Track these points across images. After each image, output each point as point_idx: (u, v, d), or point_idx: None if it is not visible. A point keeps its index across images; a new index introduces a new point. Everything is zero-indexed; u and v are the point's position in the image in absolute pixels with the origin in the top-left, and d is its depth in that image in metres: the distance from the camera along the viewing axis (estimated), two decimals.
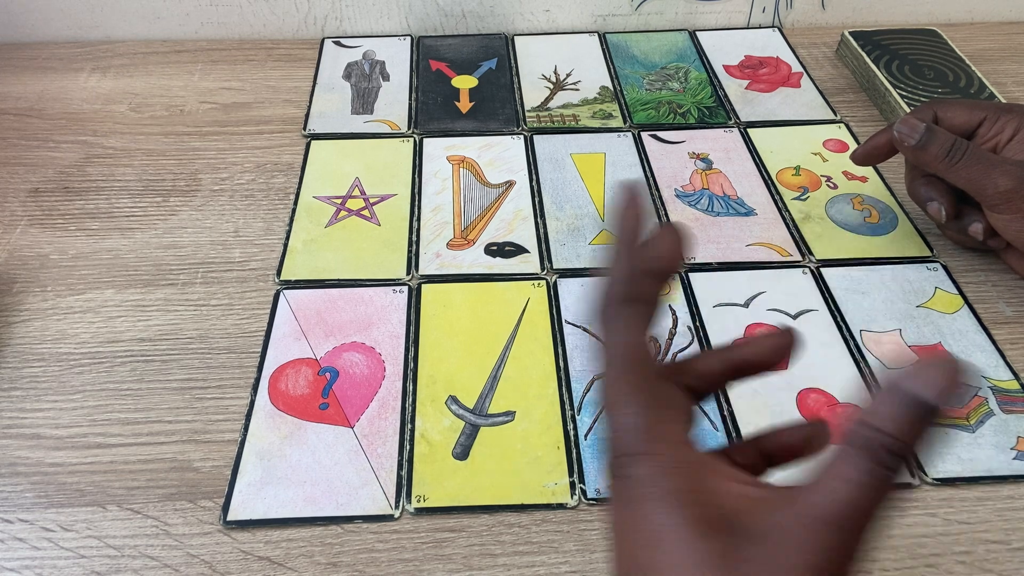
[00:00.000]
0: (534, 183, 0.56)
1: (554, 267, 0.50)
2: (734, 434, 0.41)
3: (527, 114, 0.63)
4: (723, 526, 0.22)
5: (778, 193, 0.55)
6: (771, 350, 0.27)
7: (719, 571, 0.21)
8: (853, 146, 0.59)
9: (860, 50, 0.66)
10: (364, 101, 0.64)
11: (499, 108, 0.63)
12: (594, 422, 0.41)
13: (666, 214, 0.54)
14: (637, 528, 0.23)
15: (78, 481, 0.39)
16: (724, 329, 0.46)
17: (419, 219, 0.53)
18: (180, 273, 0.50)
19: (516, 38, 0.72)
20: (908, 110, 0.59)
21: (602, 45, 0.71)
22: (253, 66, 0.68)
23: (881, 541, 0.37)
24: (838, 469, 0.22)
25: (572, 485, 0.39)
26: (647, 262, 0.25)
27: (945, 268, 0.50)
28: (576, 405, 0.42)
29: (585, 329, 0.46)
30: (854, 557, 0.21)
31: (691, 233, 0.27)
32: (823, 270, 0.50)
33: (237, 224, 0.53)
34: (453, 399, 0.42)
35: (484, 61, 0.69)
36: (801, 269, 0.50)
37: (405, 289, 0.48)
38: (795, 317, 0.47)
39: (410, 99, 0.64)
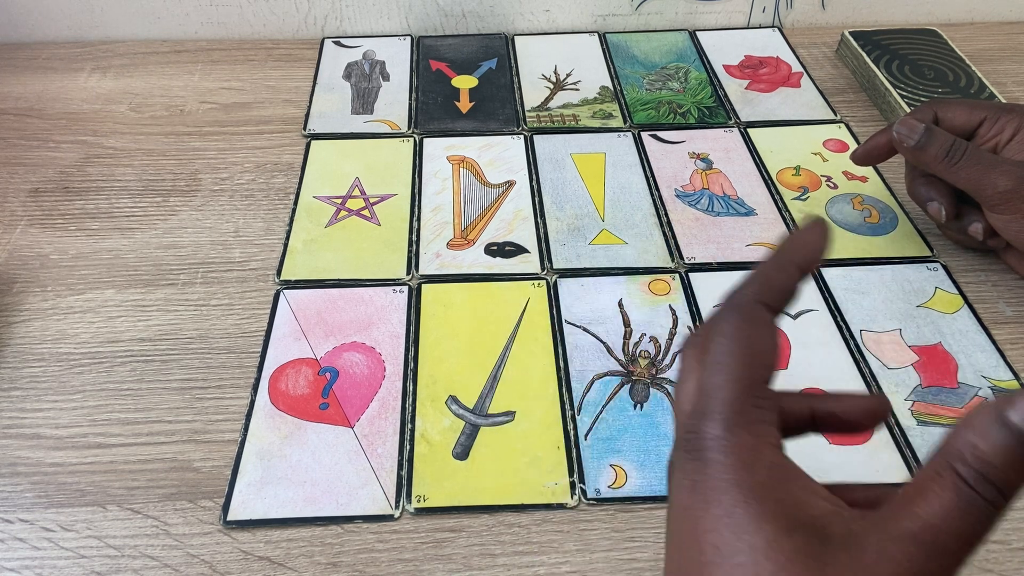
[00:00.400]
0: (534, 183, 0.56)
1: (554, 267, 0.50)
2: None
3: (527, 114, 0.63)
4: (813, 532, 0.21)
5: (778, 193, 0.55)
6: (863, 413, 0.27)
7: (806, 570, 0.21)
8: (853, 146, 0.59)
9: (860, 50, 0.67)
10: (364, 101, 0.64)
11: (499, 108, 0.63)
12: (594, 422, 0.41)
13: (666, 214, 0.54)
14: (712, 516, 0.22)
15: (78, 481, 0.39)
16: None
17: (419, 219, 0.53)
18: (180, 273, 0.50)
19: (516, 38, 0.72)
20: (908, 110, 0.59)
21: (602, 45, 0.71)
22: (253, 66, 0.68)
23: None
24: (935, 489, 0.21)
25: (572, 485, 0.39)
26: (791, 252, 0.27)
27: (945, 268, 0.50)
28: (576, 405, 0.42)
29: (585, 329, 0.46)
30: None
31: (831, 231, 0.28)
32: (823, 270, 0.50)
33: (237, 224, 0.53)
34: (453, 399, 0.42)
35: (484, 61, 0.69)
36: None
37: (405, 289, 0.48)
38: (795, 317, 0.47)
39: (410, 99, 0.64)
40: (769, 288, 0.26)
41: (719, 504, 0.22)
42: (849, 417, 0.27)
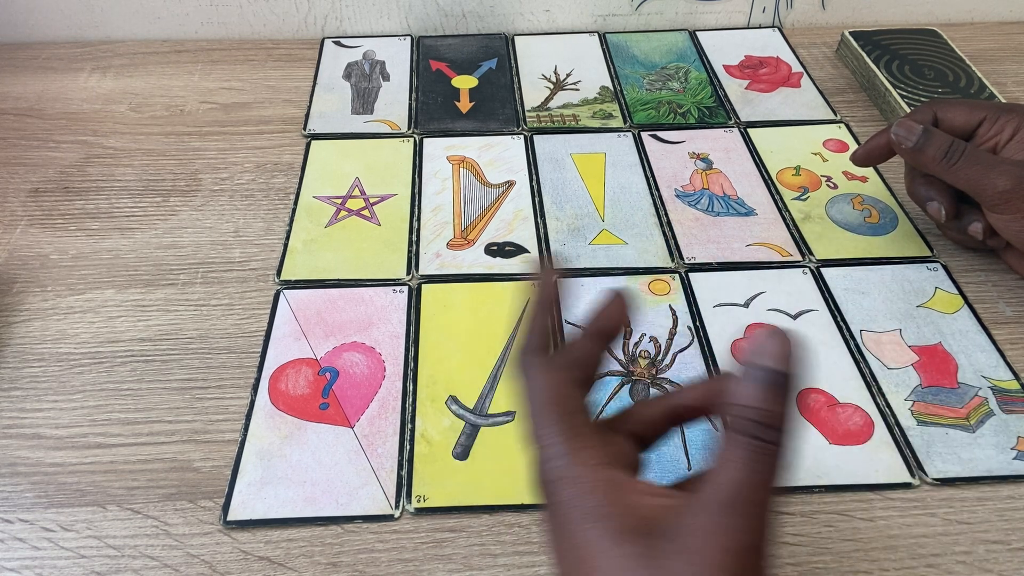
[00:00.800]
0: (534, 183, 0.56)
1: (554, 267, 0.50)
2: None
3: (527, 114, 0.63)
4: (642, 532, 0.24)
5: (778, 193, 0.55)
6: (704, 395, 0.29)
7: (643, 570, 0.23)
8: (853, 146, 0.59)
9: (860, 50, 0.67)
10: (364, 101, 0.64)
11: (499, 108, 0.63)
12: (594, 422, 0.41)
13: (666, 214, 0.54)
14: (568, 546, 0.25)
15: (78, 481, 0.39)
16: (724, 329, 0.46)
17: (419, 219, 0.53)
18: (180, 273, 0.50)
19: (516, 38, 0.72)
20: (908, 110, 0.59)
21: (602, 45, 0.71)
22: (253, 66, 0.68)
23: (881, 541, 0.37)
24: (725, 455, 0.23)
25: None
26: (595, 323, 0.30)
27: (945, 268, 0.50)
28: None
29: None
30: (762, 533, 0.23)
31: (635, 301, 0.31)
32: (823, 270, 0.50)
33: (237, 224, 0.53)
34: (453, 399, 0.42)
35: (484, 61, 0.69)
36: (801, 269, 0.50)
37: (405, 289, 0.48)
38: (795, 317, 0.47)
39: (410, 99, 0.64)
40: (539, 337, 0.29)
41: (564, 534, 0.25)
42: (697, 404, 0.29)
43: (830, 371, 0.44)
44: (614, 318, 0.30)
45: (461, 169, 0.58)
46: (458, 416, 0.42)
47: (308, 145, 0.59)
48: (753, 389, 0.23)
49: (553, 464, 0.26)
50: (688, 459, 0.40)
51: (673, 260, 0.50)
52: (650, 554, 0.23)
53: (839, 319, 0.47)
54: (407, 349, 0.45)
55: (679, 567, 0.22)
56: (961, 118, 0.47)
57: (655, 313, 0.47)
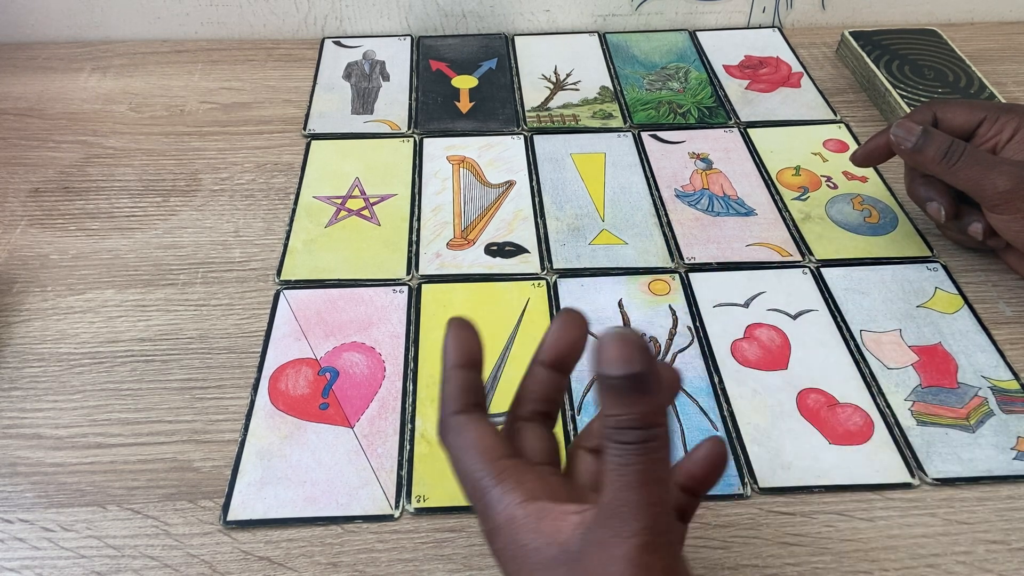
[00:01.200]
0: (534, 183, 0.56)
1: (554, 267, 0.50)
2: (734, 434, 0.41)
3: (527, 114, 0.63)
4: (561, 560, 0.25)
5: (778, 193, 0.55)
6: (705, 462, 0.30)
7: None
8: (853, 146, 0.59)
9: (860, 50, 0.67)
10: (364, 101, 0.64)
11: (499, 108, 0.63)
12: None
13: (666, 214, 0.54)
14: (502, 566, 0.27)
15: (78, 481, 0.39)
16: (724, 329, 0.46)
17: (419, 219, 0.53)
18: (180, 273, 0.50)
19: (516, 38, 0.72)
20: (908, 110, 0.59)
21: (602, 45, 0.71)
22: (253, 66, 0.68)
23: (881, 541, 0.37)
24: (605, 465, 0.24)
25: None
26: (540, 352, 0.31)
27: (945, 268, 0.50)
28: (576, 405, 0.42)
29: None
30: (655, 529, 0.23)
31: (586, 321, 0.32)
32: (823, 270, 0.50)
33: (237, 224, 0.53)
34: None
35: (484, 61, 0.69)
36: (801, 269, 0.50)
37: (405, 289, 0.48)
38: (795, 317, 0.47)
39: (410, 99, 0.64)
40: (458, 394, 0.30)
41: (500, 561, 0.27)
42: (700, 471, 0.30)
43: (830, 371, 0.44)
44: (560, 344, 0.31)
45: (461, 169, 0.58)
46: None
47: (308, 145, 0.59)
48: (604, 399, 0.24)
49: (486, 514, 0.27)
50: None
51: (673, 260, 0.50)
52: None
53: (839, 319, 0.47)
54: (407, 349, 0.45)
55: None
56: (961, 118, 0.47)
57: (655, 313, 0.47)
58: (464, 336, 0.31)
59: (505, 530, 0.26)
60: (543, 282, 0.49)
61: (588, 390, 0.43)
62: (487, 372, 0.44)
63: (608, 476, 0.24)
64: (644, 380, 0.23)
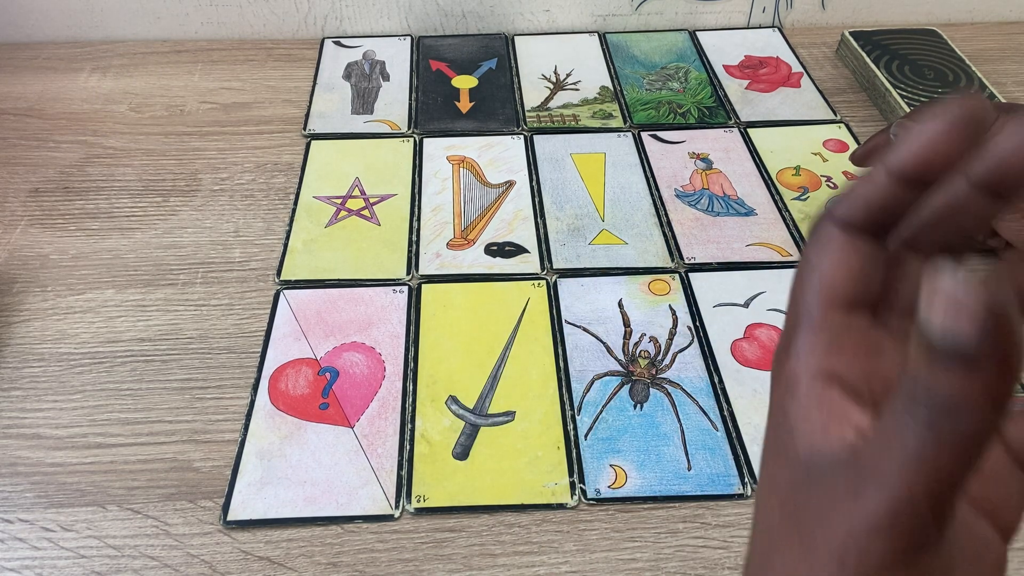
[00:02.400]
0: (534, 183, 0.56)
1: (554, 267, 0.50)
2: (734, 434, 0.41)
3: (527, 114, 0.63)
4: (799, 479, 0.18)
5: (778, 193, 0.55)
6: None
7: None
8: (853, 146, 0.59)
9: (860, 50, 0.66)
10: (364, 101, 0.64)
11: (499, 108, 0.63)
12: (594, 422, 0.41)
13: (666, 214, 0.54)
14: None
15: (78, 481, 0.39)
16: (724, 329, 0.46)
17: (419, 219, 0.53)
18: (180, 273, 0.50)
19: (516, 38, 0.72)
20: (908, 110, 0.59)
21: (602, 45, 0.71)
22: (253, 66, 0.68)
23: None
24: (890, 438, 0.17)
25: (572, 485, 0.39)
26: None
27: None
28: (576, 405, 0.42)
29: (585, 329, 0.46)
30: (918, 518, 0.16)
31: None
32: None
33: (237, 224, 0.53)
34: (453, 399, 0.42)
35: (484, 61, 0.69)
36: None
37: (405, 289, 0.48)
38: None
39: (410, 99, 0.64)
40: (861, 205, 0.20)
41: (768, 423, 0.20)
42: None
43: None
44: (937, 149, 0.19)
45: (461, 169, 0.58)
46: (458, 416, 0.42)
47: (308, 145, 0.59)
48: (937, 363, 0.15)
49: (779, 359, 0.20)
50: (688, 459, 0.40)
51: (673, 260, 0.50)
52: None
53: None
54: (407, 349, 0.45)
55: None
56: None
57: (655, 313, 0.47)
58: (963, 133, 0.20)
59: (782, 392, 0.20)
60: (543, 282, 0.49)
61: (588, 390, 0.43)
62: (487, 372, 0.44)
63: (887, 422, 0.17)
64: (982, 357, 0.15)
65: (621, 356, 0.45)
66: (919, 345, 0.15)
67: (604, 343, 0.45)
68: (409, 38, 0.71)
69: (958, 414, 0.15)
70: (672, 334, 0.46)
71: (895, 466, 0.16)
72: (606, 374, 0.44)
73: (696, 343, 0.45)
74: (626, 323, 0.46)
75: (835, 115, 0.63)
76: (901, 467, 0.16)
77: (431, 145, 0.60)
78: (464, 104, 0.64)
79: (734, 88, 0.66)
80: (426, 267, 0.50)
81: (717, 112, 0.63)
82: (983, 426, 0.16)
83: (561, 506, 0.38)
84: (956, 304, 0.14)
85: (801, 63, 0.69)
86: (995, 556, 0.19)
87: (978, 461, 0.16)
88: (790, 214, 0.54)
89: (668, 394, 0.43)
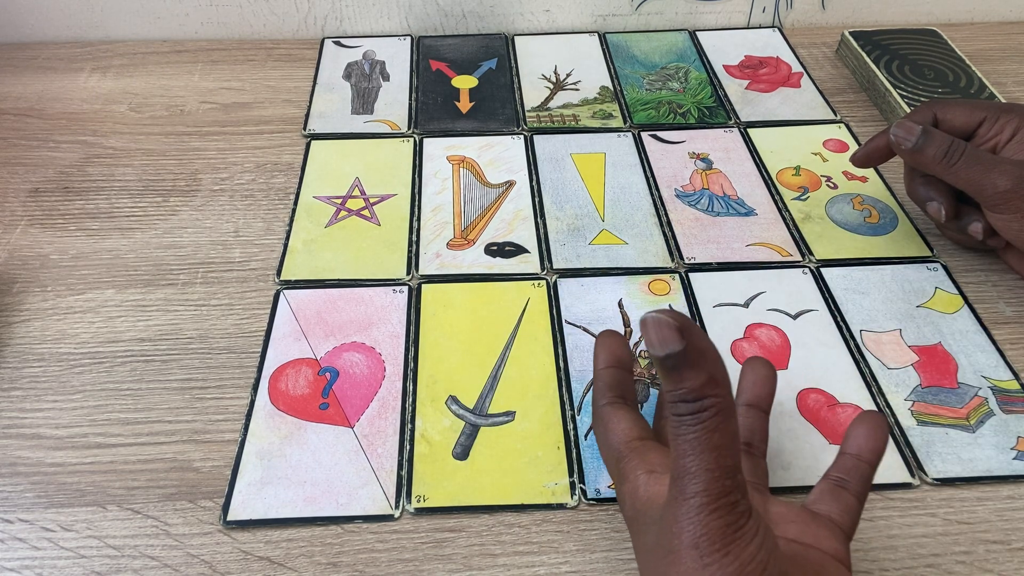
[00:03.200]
0: (534, 183, 0.56)
1: (554, 267, 0.50)
2: None
3: (527, 114, 0.63)
4: (655, 517, 0.29)
5: (778, 193, 0.55)
6: (865, 438, 0.34)
7: (647, 554, 0.29)
8: (853, 146, 0.59)
9: (860, 50, 0.67)
10: (364, 101, 0.64)
11: (499, 108, 0.63)
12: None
13: (666, 214, 0.54)
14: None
15: (78, 481, 0.39)
16: (724, 329, 0.46)
17: (419, 219, 0.53)
18: (180, 273, 0.50)
19: (516, 38, 0.72)
20: (908, 110, 0.59)
21: (602, 45, 0.71)
22: (253, 66, 0.68)
23: (881, 541, 0.37)
24: (668, 436, 0.27)
25: (572, 485, 0.39)
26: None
27: (945, 268, 0.50)
28: (576, 405, 0.42)
29: (585, 329, 0.46)
30: (718, 493, 0.25)
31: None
32: (823, 270, 0.50)
33: (237, 224, 0.53)
34: (453, 399, 0.42)
35: (484, 61, 0.69)
36: (801, 269, 0.50)
37: (405, 289, 0.48)
38: (795, 317, 0.47)
39: (410, 99, 0.64)
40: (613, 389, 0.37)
41: (627, 521, 0.32)
42: (862, 454, 0.34)
43: (830, 371, 0.44)
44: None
45: (461, 169, 0.58)
46: (458, 416, 0.42)
47: (308, 145, 0.59)
48: (659, 375, 0.26)
49: (619, 483, 0.33)
50: None
51: (673, 260, 0.50)
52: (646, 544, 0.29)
53: (839, 319, 0.47)
54: (407, 349, 0.45)
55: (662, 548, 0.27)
56: (961, 118, 0.47)
57: None
58: (611, 341, 0.38)
59: (629, 495, 0.31)
60: (543, 282, 0.49)
61: (587, 390, 0.43)
62: (487, 372, 0.44)
63: (671, 445, 0.26)
64: (685, 357, 0.25)
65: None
66: (659, 371, 0.25)
67: None
68: (409, 38, 0.71)
69: (701, 397, 0.25)
70: None
71: (693, 460, 0.25)
72: None
73: None
74: (626, 323, 0.46)
75: (835, 115, 0.63)
76: (695, 457, 0.25)
77: (431, 145, 0.60)
78: (464, 104, 0.64)
79: (734, 88, 0.66)
80: (426, 267, 0.50)
81: (717, 112, 0.63)
82: (723, 401, 0.25)
83: (561, 506, 0.38)
84: (661, 325, 0.25)
85: (801, 63, 0.69)
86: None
87: (734, 426, 0.26)
88: (790, 214, 0.54)
89: None
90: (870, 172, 0.57)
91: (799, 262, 0.50)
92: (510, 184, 0.56)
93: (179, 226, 0.53)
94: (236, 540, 0.37)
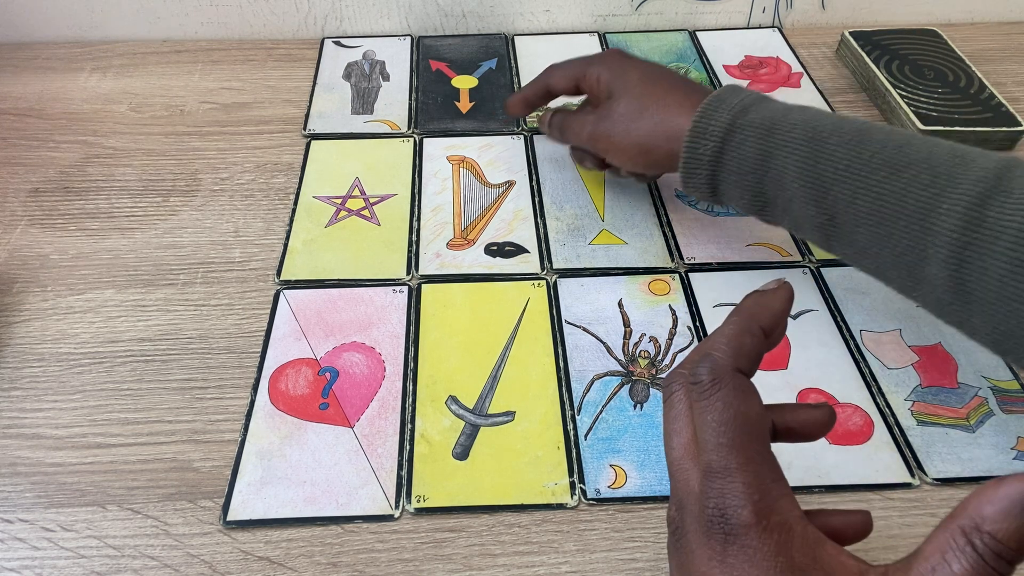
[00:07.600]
0: (534, 183, 0.56)
1: (554, 267, 0.50)
2: None
3: None
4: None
5: None
6: (815, 425, 0.30)
7: None
8: None
9: (860, 50, 0.66)
10: (364, 101, 0.64)
11: (499, 108, 0.63)
12: (594, 422, 0.41)
13: (666, 214, 0.54)
14: None
15: (78, 481, 0.39)
16: None
17: (419, 219, 0.53)
18: (180, 273, 0.50)
19: (516, 38, 0.72)
20: (908, 110, 0.59)
21: (602, 45, 0.71)
22: (253, 66, 0.68)
23: (881, 541, 0.37)
24: (954, 560, 0.22)
25: (572, 485, 0.39)
26: (757, 317, 0.29)
27: None
28: (576, 405, 0.42)
29: (585, 329, 0.46)
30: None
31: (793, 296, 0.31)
32: (823, 270, 0.50)
33: (237, 224, 0.53)
34: (453, 399, 0.42)
35: (484, 61, 0.69)
36: (801, 269, 0.50)
37: (405, 289, 0.48)
38: (795, 317, 0.47)
39: (410, 99, 0.64)
40: (743, 355, 0.28)
41: None
42: (804, 430, 0.30)
43: (830, 371, 0.44)
44: (778, 312, 0.30)
45: (461, 169, 0.58)
46: (458, 416, 0.42)
47: (308, 145, 0.59)
48: (1018, 529, 0.21)
49: (747, 511, 0.26)
50: None
51: (673, 260, 0.50)
52: None
53: (839, 319, 0.47)
54: (407, 349, 0.45)
55: None
56: (563, 84, 0.51)
57: (655, 313, 0.47)
58: (783, 308, 0.30)
59: (774, 540, 0.26)
60: (543, 282, 0.49)
61: (588, 390, 0.43)
62: (487, 372, 0.44)
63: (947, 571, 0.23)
64: None
65: (621, 356, 0.45)
66: (1007, 520, 0.21)
67: (604, 343, 0.45)
68: (409, 38, 0.71)
69: (1016, 563, 0.21)
70: (672, 334, 0.46)
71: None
72: (606, 374, 0.44)
73: (696, 343, 0.45)
74: (626, 323, 0.46)
75: None
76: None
77: (431, 145, 0.60)
78: (464, 104, 0.64)
79: None
80: (426, 267, 0.50)
81: None
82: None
83: (561, 506, 0.38)
84: None
85: (801, 63, 0.69)
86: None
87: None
88: None
89: None
90: None
91: (799, 262, 0.50)
92: (510, 184, 0.56)
93: (179, 226, 0.53)
94: (236, 540, 0.37)
